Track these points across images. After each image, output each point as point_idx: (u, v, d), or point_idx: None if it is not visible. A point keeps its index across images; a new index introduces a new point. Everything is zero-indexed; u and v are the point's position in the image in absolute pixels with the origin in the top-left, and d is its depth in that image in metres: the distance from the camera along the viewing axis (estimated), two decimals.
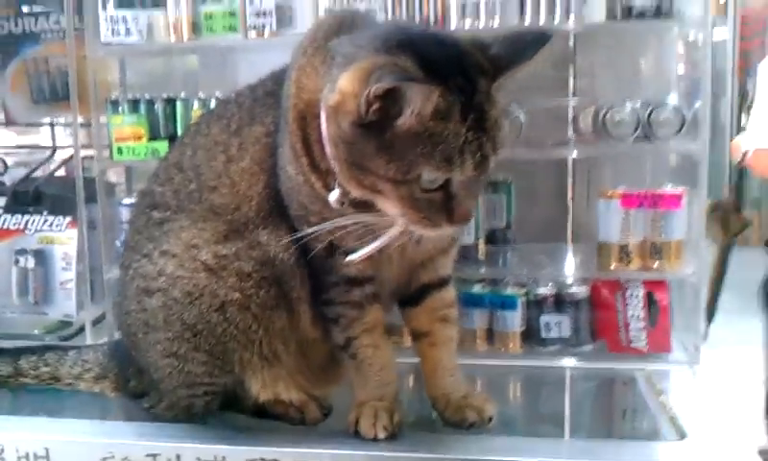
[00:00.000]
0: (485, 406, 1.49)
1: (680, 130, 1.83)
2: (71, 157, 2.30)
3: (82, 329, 2.12)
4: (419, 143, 1.19)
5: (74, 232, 2.14)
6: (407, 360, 1.60)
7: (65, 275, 2.15)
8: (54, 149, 2.32)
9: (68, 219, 2.15)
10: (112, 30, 1.93)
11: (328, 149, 1.29)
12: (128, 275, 1.57)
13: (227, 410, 1.55)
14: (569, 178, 2.17)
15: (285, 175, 1.40)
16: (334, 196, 1.31)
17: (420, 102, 1.16)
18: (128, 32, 1.93)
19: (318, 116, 1.31)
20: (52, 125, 2.31)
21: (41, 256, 2.16)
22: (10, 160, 2.38)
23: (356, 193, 1.28)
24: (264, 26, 1.90)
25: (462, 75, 1.20)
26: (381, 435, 1.41)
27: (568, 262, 2.06)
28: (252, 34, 1.91)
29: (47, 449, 1.49)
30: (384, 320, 1.51)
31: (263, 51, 1.97)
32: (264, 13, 1.89)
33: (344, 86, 1.21)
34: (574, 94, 2.10)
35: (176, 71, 2.20)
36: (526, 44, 1.25)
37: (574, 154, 1.95)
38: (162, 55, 2.13)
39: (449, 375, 1.52)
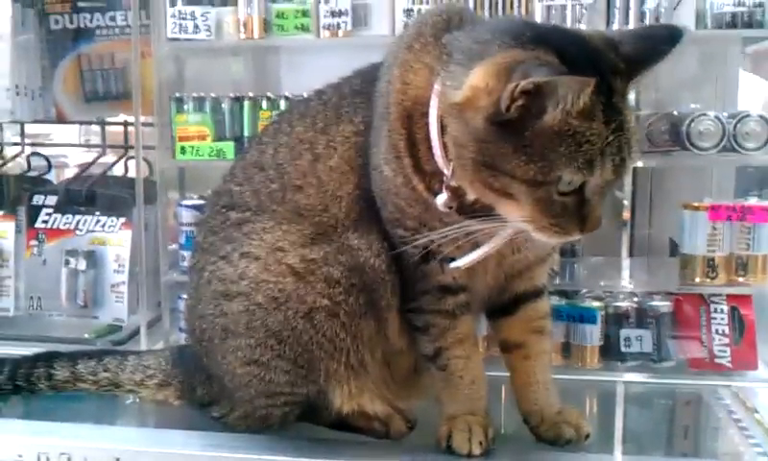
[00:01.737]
0: (581, 423, 1.43)
1: (766, 141, 1.77)
2: (124, 155, 2.26)
3: (134, 334, 2.05)
4: (562, 143, 1.12)
5: (127, 234, 2.08)
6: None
7: (117, 277, 2.09)
8: (105, 148, 2.25)
9: (122, 220, 2.09)
10: (180, 26, 1.87)
11: (438, 150, 1.24)
12: (202, 277, 1.50)
13: (303, 421, 1.49)
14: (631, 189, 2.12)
15: (380, 176, 1.34)
16: (441, 199, 1.25)
17: (570, 98, 1.10)
18: (196, 28, 1.87)
19: (426, 115, 1.26)
20: (103, 124, 2.25)
21: (93, 258, 2.10)
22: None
23: (476, 195, 1.22)
24: (339, 25, 1.84)
25: (599, 74, 1.13)
26: (476, 451, 1.35)
27: (637, 275, 2.01)
28: (326, 33, 1.86)
29: (117, 459, 1.42)
30: (475, 331, 1.44)
31: (336, 51, 1.91)
32: (339, 13, 1.84)
33: (476, 82, 1.14)
34: (638, 104, 2.06)
35: (242, 71, 2.14)
36: (658, 42, 1.19)
37: (653, 164, 1.90)
38: (231, 53, 2.07)
39: (544, 389, 1.45)
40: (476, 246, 1.31)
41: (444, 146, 1.24)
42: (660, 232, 2.25)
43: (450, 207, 1.26)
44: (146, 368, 1.70)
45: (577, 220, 1.18)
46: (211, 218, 1.55)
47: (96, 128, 2.38)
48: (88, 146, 2.29)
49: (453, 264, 1.30)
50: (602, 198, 1.19)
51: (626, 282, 1.90)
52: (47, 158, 2.36)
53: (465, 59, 1.20)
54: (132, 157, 2.24)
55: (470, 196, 1.24)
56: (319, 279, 1.38)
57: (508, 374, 1.49)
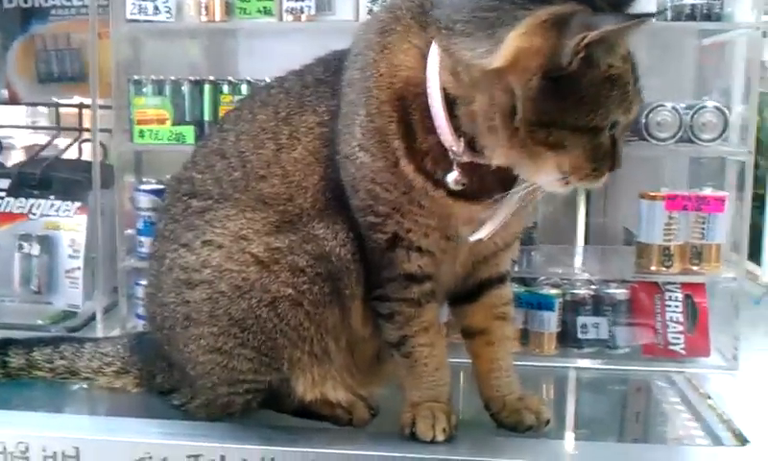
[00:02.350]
0: (541, 409, 1.45)
1: (722, 132, 1.81)
2: (77, 138, 2.21)
3: (89, 320, 2.01)
4: (614, 87, 1.17)
5: (83, 218, 2.04)
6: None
7: (72, 262, 2.05)
8: (59, 130, 2.20)
9: (77, 204, 2.05)
10: (139, 7, 1.83)
11: (447, 126, 1.24)
12: (163, 265, 1.48)
13: (265, 409, 1.48)
14: None
15: (353, 164, 1.34)
16: (452, 177, 1.26)
17: (624, 44, 1.16)
18: (156, 10, 1.84)
19: (420, 95, 1.26)
20: (57, 105, 2.20)
21: (47, 243, 2.06)
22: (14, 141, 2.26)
23: (508, 161, 1.22)
24: (302, 10, 1.82)
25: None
26: (440, 437, 1.36)
27: (593, 263, 2.04)
28: (289, 17, 1.84)
29: (77, 449, 1.40)
30: (439, 318, 1.45)
31: (298, 36, 1.90)
32: None
33: (519, 43, 1.14)
34: None
35: (201, 54, 2.11)
36: None
37: None
38: (190, 36, 2.03)
39: (506, 375, 1.47)
40: (443, 230, 1.34)
41: (452, 121, 1.24)
42: (614, 222, 2.29)
43: (463, 184, 1.26)
44: (103, 355, 1.67)
45: (610, 160, 1.22)
46: (172, 206, 1.53)
47: (43, 109, 2.33)
48: (43, 128, 2.23)
49: (474, 235, 1.31)
50: (624, 136, 1.25)
51: (582, 270, 1.93)
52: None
53: (479, 27, 1.19)
54: (87, 141, 2.20)
55: (496, 162, 1.24)
56: (283, 269, 1.38)
57: (469, 360, 1.51)
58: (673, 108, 1.83)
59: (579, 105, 1.16)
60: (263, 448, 1.36)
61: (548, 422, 1.44)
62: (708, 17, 1.82)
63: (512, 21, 1.16)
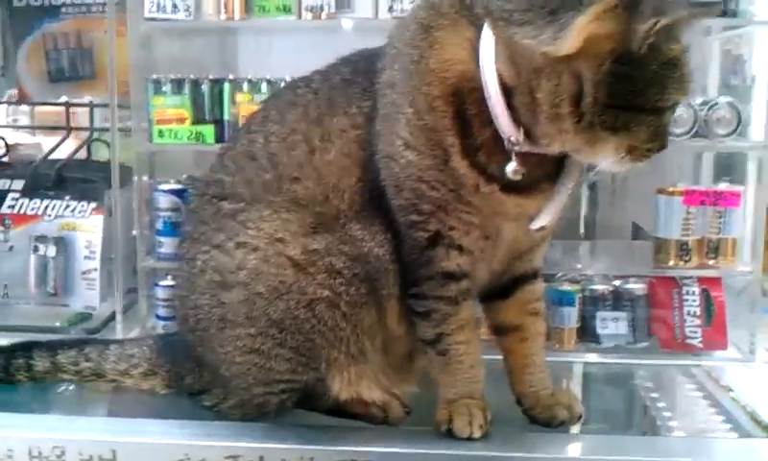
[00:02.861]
0: (574, 404, 1.48)
1: (737, 128, 1.84)
2: (89, 138, 2.20)
3: (108, 321, 2.00)
4: (675, 70, 1.19)
5: (99, 219, 2.03)
6: None
7: (88, 264, 2.04)
8: (69, 130, 2.18)
9: (93, 205, 2.04)
10: (158, 5, 1.83)
11: (506, 117, 1.25)
12: (194, 267, 1.48)
13: (298, 408, 1.49)
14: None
15: (397, 163, 1.34)
16: (511, 167, 1.27)
17: (686, 27, 1.19)
18: (174, 8, 1.83)
19: (475, 90, 1.27)
20: (68, 105, 2.18)
21: (62, 244, 2.04)
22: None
23: (572, 147, 1.24)
24: (322, 7, 1.82)
25: None
26: (477, 434, 1.37)
27: (608, 259, 2.06)
28: (308, 15, 1.84)
29: (114, 452, 1.40)
30: (473, 315, 1.47)
31: (317, 34, 1.90)
32: None
33: (590, 29, 1.15)
34: None
35: (220, 52, 2.10)
36: None
37: None
38: (210, 34, 2.03)
39: (540, 371, 1.49)
40: (484, 229, 1.35)
41: (512, 111, 1.25)
42: (622, 217, 2.32)
43: (522, 175, 1.27)
44: (130, 357, 1.67)
45: (660, 140, 1.24)
46: (201, 208, 1.53)
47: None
48: (52, 128, 2.20)
49: (534, 223, 1.33)
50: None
51: (600, 266, 1.95)
52: (4, 140, 2.28)
53: (540, 14, 1.20)
54: (96, 140, 2.19)
55: (556, 150, 1.26)
56: (320, 271, 1.38)
57: (494, 356, 1.52)
58: (688, 103, 1.85)
59: (648, 87, 1.18)
60: (302, 448, 1.37)
61: (581, 416, 1.46)
62: (723, 14, 1.84)
63: (577, 6, 1.17)
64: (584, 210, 2.31)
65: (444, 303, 1.40)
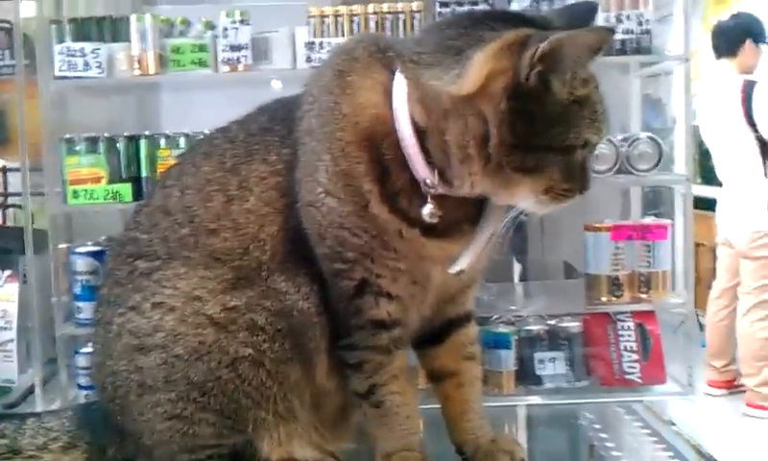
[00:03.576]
0: (515, 449, 1.42)
1: (658, 162, 1.86)
2: (3, 202, 2.11)
3: (27, 394, 1.90)
4: (583, 108, 1.17)
5: (14, 287, 1.94)
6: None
7: (4, 335, 1.94)
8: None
9: (7, 273, 1.95)
10: (68, 63, 1.77)
11: (420, 160, 1.22)
12: (110, 332, 1.40)
13: None
14: None
15: (318, 211, 1.30)
16: (428, 210, 1.23)
17: (585, 66, 1.16)
18: (86, 65, 1.78)
19: (389, 133, 1.23)
20: None
21: None
22: None
23: (482, 188, 1.21)
24: (239, 60, 1.79)
25: None
26: None
27: (541, 299, 2.05)
28: (225, 68, 1.81)
29: None
30: (406, 364, 1.42)
31: (234, 86, 1.86)
32: (239, 47, 1.79)
33: (488, 66, 1.14)
34: None
35: (135, 109, 2.04)
36: (581, 14, 1.25)
37: None
38: (123, 92, 1.97)
39: (478, 417, 1.44)
40: (412, 274, 1.31)
41: (426, 153, 1.22)
42: (553, 256, 2.31)
43: (439, 217, 1.24)
44: (48, 430, 1.55)
45: (581, 180, 1.21)
46: (116, 269, 1.45)
47: None
48: None
49: (453, 268, 1.28)
50: (590, 159, 1.24)
51: (534, 306, 1.93)
52: None
53: (446, 54, 1.19)
54: (9, 206, 2.11)
55: (469, 192, 1.22)
56: (241, 328, 1.32)
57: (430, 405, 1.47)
58: (609, 140, 1.87)
59: (550, 125, 1.16)
60: None
61: None
62: (637, 51, 1.88)
63: (478, 43, 1.16)
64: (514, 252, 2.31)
65: (376, 353, 1.35)
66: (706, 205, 5.07)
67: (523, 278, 2.28)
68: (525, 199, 1.21)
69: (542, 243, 2.34)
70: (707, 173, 5.18)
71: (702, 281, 5.09)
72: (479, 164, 1.18)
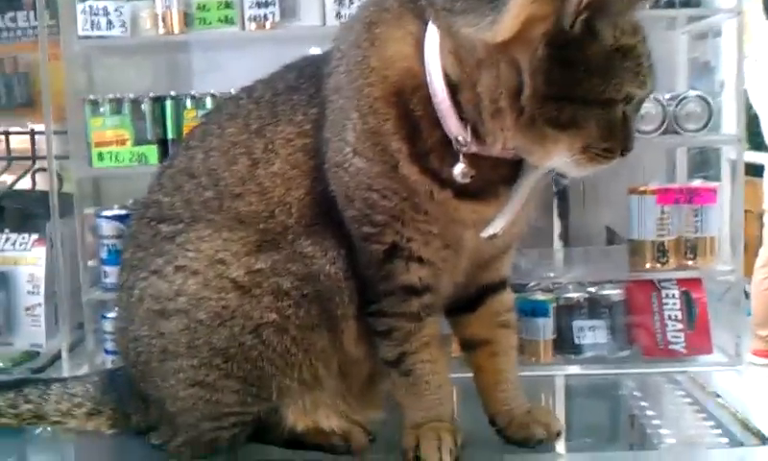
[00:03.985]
0: (551, 421, 1.37)
1: (708, 123, 1.76)
2: (31, 167, 2.09)
3: (55, 359, 1.89)
4: (625, 58, 1.10)
5: (41, 251, 1.91)
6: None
7: (32, 299, 1.92)
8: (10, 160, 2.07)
9: (34, 237, 1.93)
10: (92, 22, 1.72)
11: (453, 115, 1.15)
12: (132, 296, 1.37)
13: (253, 442, 1.37)
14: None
15: (346, 172, 1.24)
16: (459, 169, 1.17)
17: (632, 14, 1.10)
18: (109, 24, 1.73)
19: (420, 87, 1.17)
20: (7, 134, 2.07)
21: (4, 280, 1.93)
22: None
23: (517, 144, 1.14)
24: (266, 17, 1.73)
25: None
26: (447, 459, 1.26)
27: (582, 266, 1.97)
28: (252, 25, 1.75)
29: None
30: (439, 332, 1.36)
31: (263, 45, 1.80)
32: (266, 3, 1.72)
33: (525, 11, 1.07)
34: None
35: (162, 69, 1.99)
36: None
37: None
38: (149, 51, 1.92)
39: (513, 387, 1.39)
40: (444, 238, 1.25)
41: (458, 108, 1.16)
42: (595, 221, 2.23)
43: (472, 177, 1.17)
44: (72, 396, 1.54)
45: (623, 140, 1.13)
46: (139, 232, 1.42)
47: None
48: None
49: (486, 231, 1.22)
50: (636, 116, 1.17)
51: (574, 273, 1.85)
52: None
53: (481, 2, 1.11)
54: (40, 169, 2.08)
55: (502, 149, 1.16)
56: (266, 293, 1.28)
57: (465, 374, 1.42)
58: (656, 99, 1.77)
59: (590, 75, 1.08)
60: None
61: (560, 433, 1.36)
62: (686, 4, 1.78)
63: None
64: (555, 217, 2.23)
65: (405, 320, 1.30)
66: (753, 170, 4.94)
67: (564, 243, 2.21)
68: (561, 158, 1.13)
69: (584, 207, 2.26)
70: (754, 138, 5.05)
71: (748, 249, 4.98)
72: (511, 118, 1.11)
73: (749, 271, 4.58)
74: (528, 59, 1.08)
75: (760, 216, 4.44)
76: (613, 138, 1.12)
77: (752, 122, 4.85)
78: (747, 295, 4.60)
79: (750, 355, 4.15)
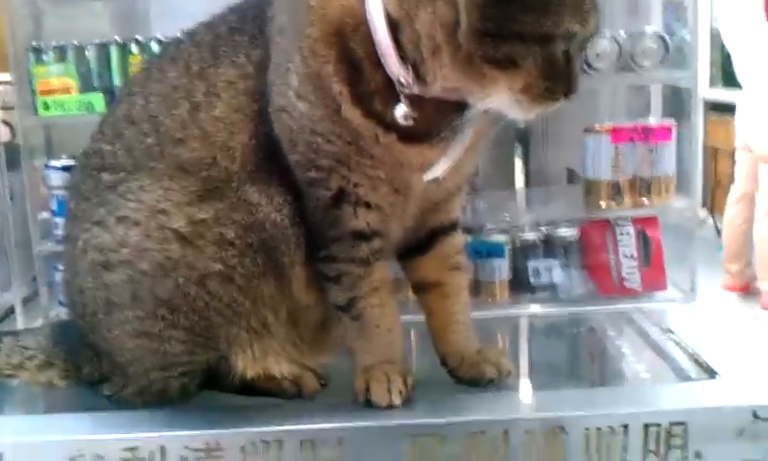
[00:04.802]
0: (501, 361, 1.37)
1: (663, 59, 1.74)
2: None
3: (9, 313, 1.87)
4: None
5: None
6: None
7: None
8: None
9: None
10: None
11: (394, 55, 1.13)
12: (76, 247, 1.35)
13: (204, 390, 1.37)
14: None
15: (289, 116, 1.22)
16: (401, 111, 1.15)
17: None
18: None
19: (359, 25, 1.14)
20: None
21: None
22: None
23: (456, 83, 1.12)
24: None
25: None
26: (397, 401, 1.27)
27: (539, 206, 1.97)
28: None
29: (0, 454, 1.27)
30: (388, 276, 1.35)
31: None
32: None
33: None
34: None
35: (106, 16, 1.93)
36: None
37: None
38: None
39: (464, 329, 1.39)
40: (391, 182, 1.24)
41: (399, 47, 1.13)
42: (555, 161, 2.22)
43: (415, 120, 1.15)
44: (24, 349, 1.52)
45: (565, 81, 1.11)
46: (82, 183, 1.39)
47: None
48: None
49: (428, 174, 1.21)
50: (578, 59, 1.14)
51: (530, 214, 1.85)
52: None
53: None
54: None
55: (441, 88, 1.14)
56: (209, 243, 1.26)
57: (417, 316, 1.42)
58: (612, 36, 1.75)
59: (527, 10, 1.06)
60: (206, 433, 1.25)
61: (510, 373, 1.36)
62: None
63: None
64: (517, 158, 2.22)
65: (355, 265, 1.29)
66: (726, 109, 4.95)
67: (525, 185, 2.20)
68: (501, 98, 1.11)
69: (545, 148, 2.24)
70: (728, 77, 5.04)
71: (721, 186, 5.04)
72: (449, 55, 1.09)
73: (720, 208, 4.64)
74: None
75: (732, 154, 4.47)
76: (555, 78, 1.10)
77: (726, 61, 4.85)
78: (719, 232, 4.67)
79: (721, 290, 4.26)
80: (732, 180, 4.50)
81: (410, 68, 1.14)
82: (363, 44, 1.16)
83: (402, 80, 1.14)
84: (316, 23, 1.18)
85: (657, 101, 2.09)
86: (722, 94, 5.24)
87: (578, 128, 1.88)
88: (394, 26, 1.14)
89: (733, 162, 4.49)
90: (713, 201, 5.25)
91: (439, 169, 1.21)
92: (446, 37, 1.09)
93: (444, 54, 1.10)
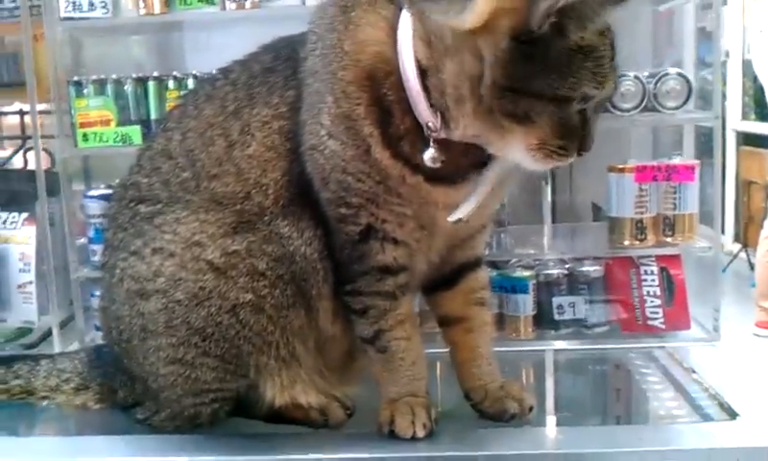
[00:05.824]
0: (524, 396, 1.40)
1: (687, 99, 1.77)
2: (22, 146, 2.11)
3: (46, 336, 1.91)
4: (587, 58, 1.11)
5: (32, 230, 1.93)
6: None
7: (24, 277, 1.94)
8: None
9: (24, 215, 1.95)
10: (73, 4, 1.74)
11: (423, 101, 1.17)
12: (114, 276, 1.40)
13: (233, 417, 1.41)
14: None
15: (322, 154, 1.26)
16: (429, 154, 1.19)
17: (602, 17, 1.10)
18: (91, 5, 1.74)
19: (392, 73, 1.19)
20: None
21: None
22: None
23: (477, 133, 1.17)
24: None
25: None
26: (420, 434, 1.30)
27: (564, 242, 1.99)
28: (232, 5, 1.76)
29: None
30: (414, 309, 1.39)
31: (243, 25, 1.81)
32: None
33: (495, 3, 1.08)
34: None
35: (144, 50, 2.00)
36: None
37: None
38: (131, 32, 1.93)
39: (487, 363, 1.42)
40: (418, 219, 1.28)
41: (428, 94, 1.18)
42: (582, 198, 2.24)
43: (443, 162, 1.19)
44: (61, 372, 1.59)
45: (579, 139, 1.15)
46: (119, 213, 1.45)
47: None
48: None
49: (452, 216, 1.24)
50: (596, 118, 1.18)
51: (555, 250, 1.87)
52: None
53: None
54: (32, 149, 2.10)
55: (462, 135, 1.18)
56: (242, 274, 1.31)
57: (444, 349, 1.45)
58: (635, 77, 1.78)
59: (548, 71, 1.10)
60: (234, 460, 1.30)
61: (532, 408, 1.39)
62: None
63: None
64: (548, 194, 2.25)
65: (381, 299, 1.33)
66: (759, 141, 4.91)
67: (552, 220, 2.22)
68: (517, 150, 1.16)
69: (571, 184, 2.27)
70: (761, 109, 5.00)
71: (754, 220, 4.98)
72: (471, 105, 1.14)
73: (754, 242, 4.57)
74: (491, 49, 1.10)
75: (766, 187, 4.41)
76: (568, 137, 1.14)
77: (759, 92, 4.81)
78: (752, 266, 4.60)
79: (753, 327, 4.18)
80: (765, 214, 4.45)
81: (438, 114, 1.19)
82: (394, 89, 1.21)
83: (431, 124, 1.19)
84: (350, 67, 1.22)
85: (689, 138, 2.12)
86: (755, 126, 5.19)
87: (605, 164, 1.91)
88: (423, 74, 1.18)
89: (767, 196, 4.43)
90: (746, 235, 5.18)
91: (463, 211, 1.25)
92: (471, 89, 1.13)
93: (468, 103, 1.14)
